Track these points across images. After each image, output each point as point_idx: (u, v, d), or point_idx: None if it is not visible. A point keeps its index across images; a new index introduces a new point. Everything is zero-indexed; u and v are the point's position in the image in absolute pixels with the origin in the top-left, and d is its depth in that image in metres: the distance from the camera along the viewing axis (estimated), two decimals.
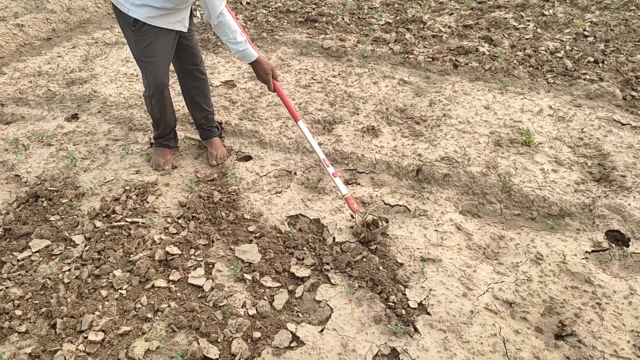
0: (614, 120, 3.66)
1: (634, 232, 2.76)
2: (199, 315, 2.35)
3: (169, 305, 2.40)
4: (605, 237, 2.77)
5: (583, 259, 2.64)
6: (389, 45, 4.81)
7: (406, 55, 4.61)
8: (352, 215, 2.91)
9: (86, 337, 2.24)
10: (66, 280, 2.51)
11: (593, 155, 3.36)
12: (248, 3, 5.78)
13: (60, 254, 2.69)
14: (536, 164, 3.30)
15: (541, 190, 3.05)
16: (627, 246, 2.71)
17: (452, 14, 5.35)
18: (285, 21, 5.37)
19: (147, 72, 2.94)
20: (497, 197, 3.07)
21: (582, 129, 3.59)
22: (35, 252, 2.69)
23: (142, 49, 2.84)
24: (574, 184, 3.11)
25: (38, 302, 2.42)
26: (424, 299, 2.43)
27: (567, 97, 4.00)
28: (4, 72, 4.52)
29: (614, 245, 2.73)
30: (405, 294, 2.46)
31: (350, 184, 3.22)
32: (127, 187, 3.16)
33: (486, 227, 2.88)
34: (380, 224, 2.80)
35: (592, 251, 2.70)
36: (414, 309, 2.39)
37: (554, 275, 2.56)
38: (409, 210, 3.00)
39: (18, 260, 2.64)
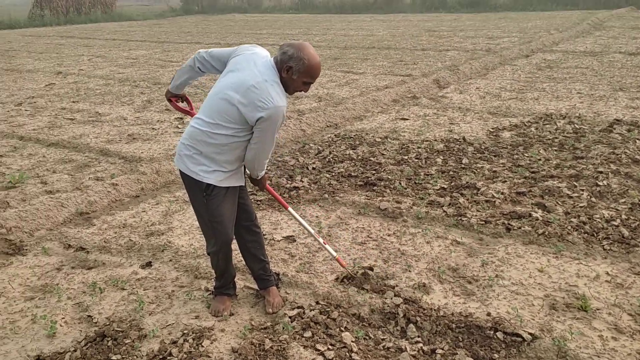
0: None
1: None
2: None
3: None
4: None
5: None
6: (443, 208, 5.05)
7: (459, 218, 4.81)
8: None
9: None
10: None
11: None
12: (314, 169, 6.35)
13: None
14: (594, 330, 3.20)
15: (599, 358, 2.93)
16: None
17: (506, 181, 5.61)
18: (347, 184, 5.82)
19: (215, 232, 3.23)
20: None
21: None
22: None
23: (213, 210, 3.18)
24: (636, 354, 2.97)
25: None
26: None
27: (625, 264, 3.96)
28: (94, 224, 5.10)
29: None
30: None
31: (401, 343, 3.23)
32: (185, 331, 3.33)
33: None
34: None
35: None
36: None
37: None
38: None
39: None
